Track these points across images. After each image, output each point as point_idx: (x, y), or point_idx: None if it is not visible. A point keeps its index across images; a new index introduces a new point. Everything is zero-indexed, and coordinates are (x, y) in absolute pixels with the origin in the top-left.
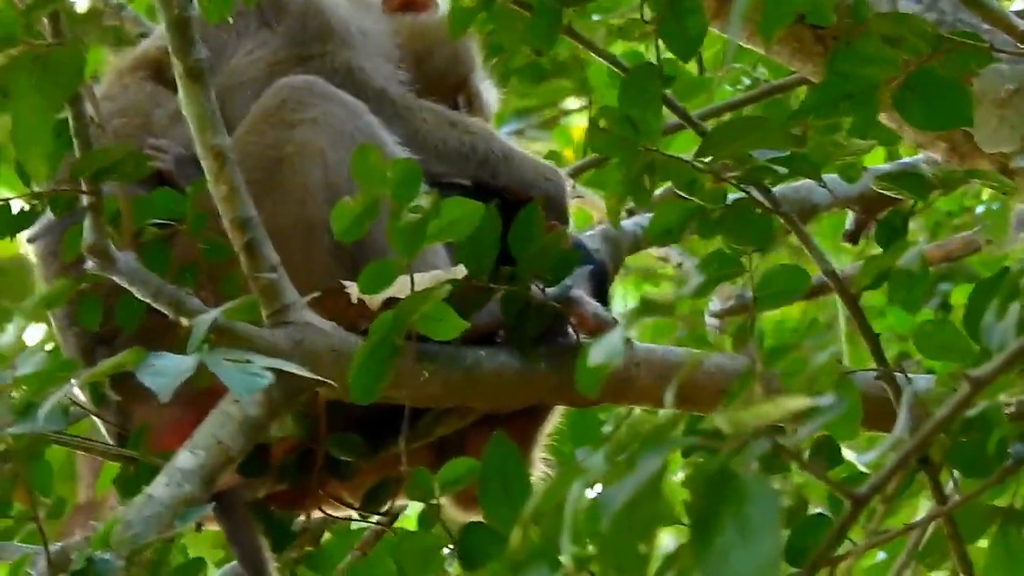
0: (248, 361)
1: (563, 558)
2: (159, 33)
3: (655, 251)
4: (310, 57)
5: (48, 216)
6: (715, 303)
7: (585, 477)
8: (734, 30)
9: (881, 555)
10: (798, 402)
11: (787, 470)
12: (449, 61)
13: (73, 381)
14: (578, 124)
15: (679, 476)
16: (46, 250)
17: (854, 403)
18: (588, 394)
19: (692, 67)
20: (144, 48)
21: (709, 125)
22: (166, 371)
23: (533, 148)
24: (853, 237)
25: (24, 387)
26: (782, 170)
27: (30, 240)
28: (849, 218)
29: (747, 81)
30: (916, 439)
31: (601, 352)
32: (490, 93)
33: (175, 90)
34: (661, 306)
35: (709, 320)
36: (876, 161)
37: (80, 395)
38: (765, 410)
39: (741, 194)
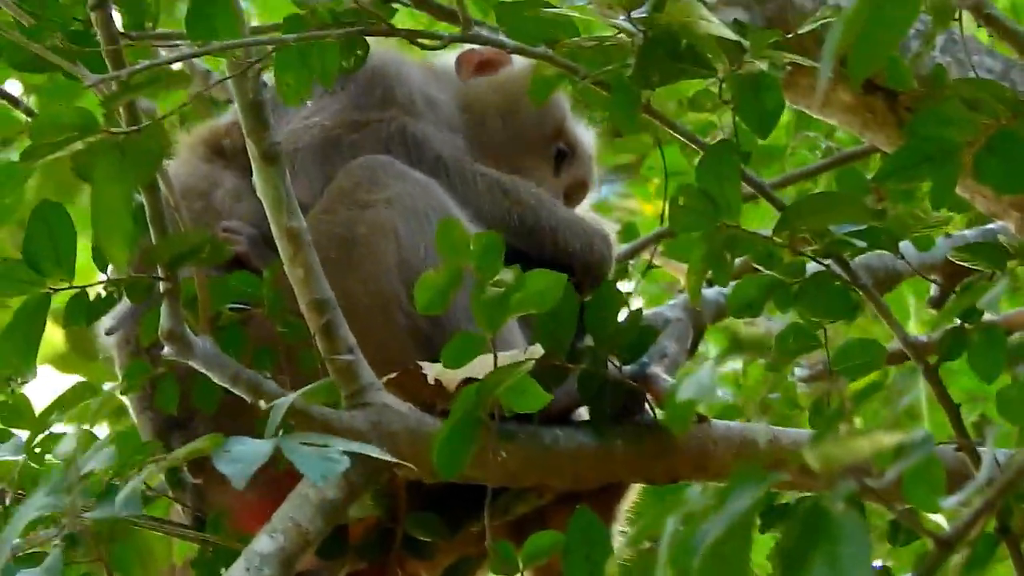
0: (325, 445)
1: None
2: (229, 112)
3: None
4: (366, 123)
5: (122, 306)
6: (803, 368)
7: (680, 510)
8: (825, 71)
9: None
10: (891, 437)
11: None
12: (538, 114)
13: (150, 465)
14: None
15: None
16: (122, 338)
17: (937, 473)
18: (677, 431)
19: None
20: (212, 127)
21: (783, 193)
22: (242, 457)
23: (620, 207)
24: (938, 303)
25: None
26: (860, 243)
27: (108, 332)
28: (934, 286)
29: (824, 146)
30: (1002, 482)
31: (692, 388)
32: (587, 136)
33: (230, 164)
34: (753, 343)
35: (797, 383)
36: (957, 227)
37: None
38: (857, 445)
39: (819, 267)
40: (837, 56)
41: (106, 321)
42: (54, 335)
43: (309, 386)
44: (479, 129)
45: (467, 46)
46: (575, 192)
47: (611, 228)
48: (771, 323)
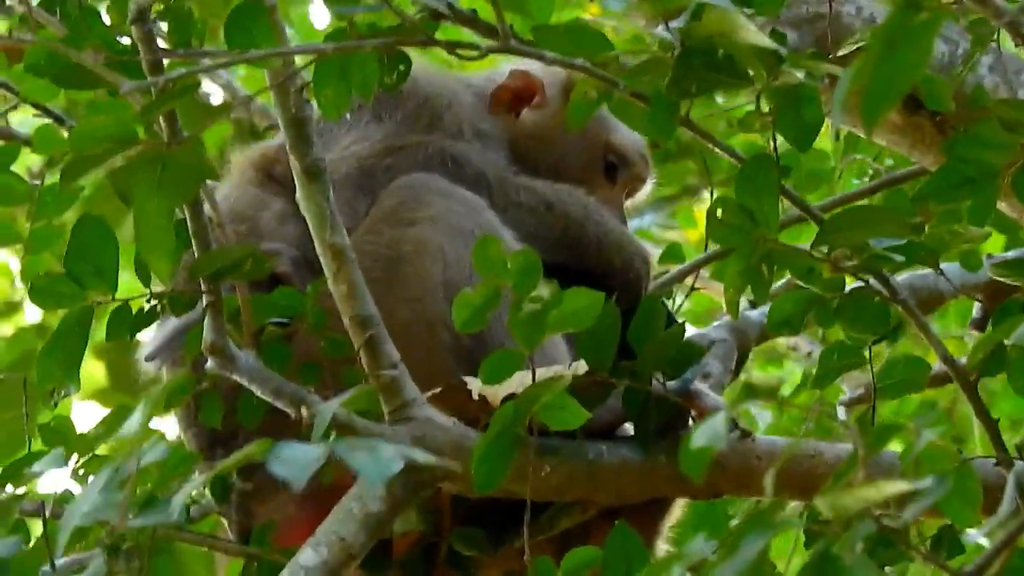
0: (376, 449)
1: None
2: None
3: (785, 340)
4: (403, 147)
5: (164, 333)
6: (848, 392)
7: (684, 561)
8: (836, 118)
9: None
10: (899, 486)
11: (906, 559)
12: (582, 136)
13: (197, 475)
14: (701, 208)
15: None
16: (168, 363)
17: (973, 488)
18: (693, 478)
19: (814, 159)
20: (262, 149)
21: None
22: (296, 460)
23: (662, 238)
24: (981, 325)
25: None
26: (899, 258)
27: (148, 359)
28: (976, 306)
29: (871, 171)
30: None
31: (703, 435)
32: (633, 137)
33: (281, 189)
34: (764, 390)
35: (840, 409)
36: (998, 249)
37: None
38: (866, 493)
39: (859, 283)
40: (882, 114)
41: (147, 347)
42: (96, 370)
43: (351, 391)
44: (528, 160)
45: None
46: (634, 188)
47: (652, 251)
48: (814, 347)
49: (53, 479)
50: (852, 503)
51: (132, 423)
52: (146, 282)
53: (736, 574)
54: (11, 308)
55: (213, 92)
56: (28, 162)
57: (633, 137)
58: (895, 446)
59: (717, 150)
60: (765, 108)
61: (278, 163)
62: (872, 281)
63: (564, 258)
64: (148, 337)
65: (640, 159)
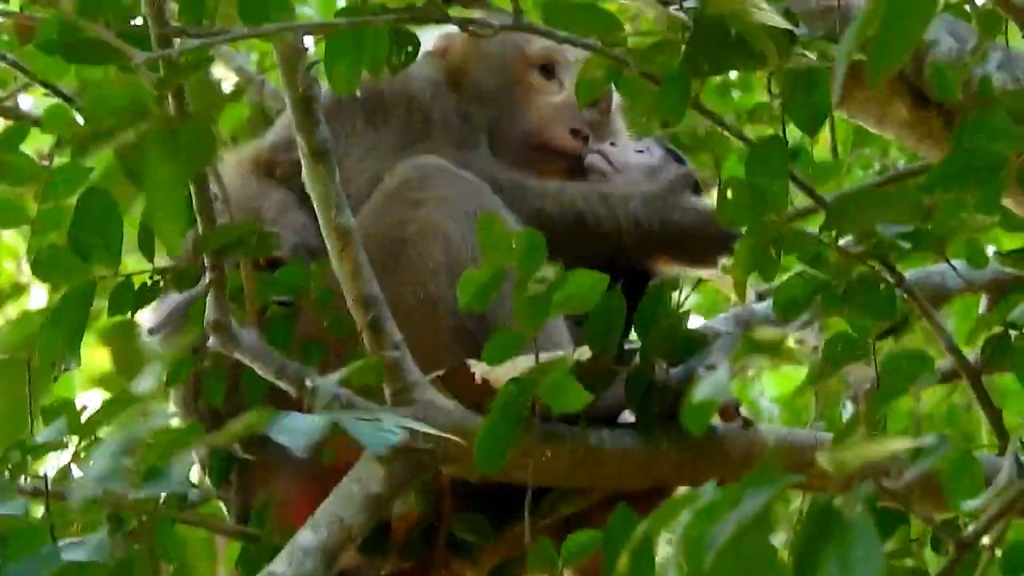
0: (378, 419)
1: None
2: (274, 130)
3: (792, 333)
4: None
5: (166, 307)
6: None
7: (692, 504)
8: (839, 69)
9: None
10: (902, 442)
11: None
12: (499, 56)
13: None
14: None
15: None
16: (169, 336)
17: (977, 474)
18: (695, 432)
19: (822, 152)
20: (256, 147)
21: None
22: (297, 428)
23: None
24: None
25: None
26: (907, 245)
27: (151, 332)
28: (982, 304)
29: (877, 166)
30: (1021, 485)
31: (707, 388)
32: (567, 50)
33: (283, 185)
34: (767, 344)
35: (845, 403)
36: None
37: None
38: (868, 449)
39: (866, 269)
40: (889, 73)
41: (150, 321)
42: (101, 357)
43: (354, 364)
44: (473, 97)
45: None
46: (600, 118)
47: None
48: (822, 341)
49: (54, 461)
50: (854, 458)
51: (145, 382)
52: (150, 258)
53: (739, 523)
54: (17, 290)
55: (226, 79)
56: (38, 144)
57: (569, 50)
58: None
59: (729, 137)
60: (776, 90)
61: (273, 160)
62: (879, 268)
63: (587, 242)
64: (150, 316)
65: (574, 64)
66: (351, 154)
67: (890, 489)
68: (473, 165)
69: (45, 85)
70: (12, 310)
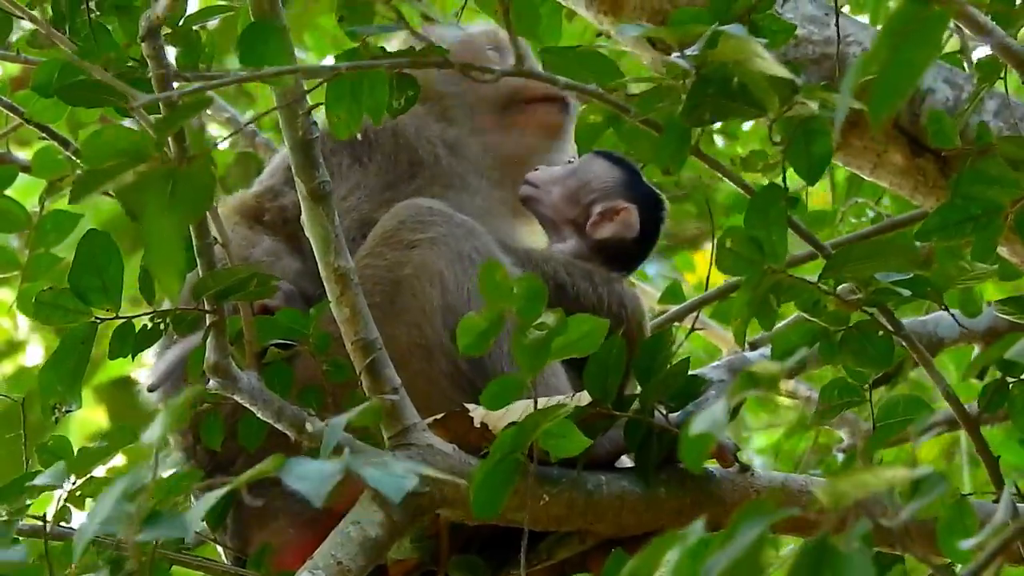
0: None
1: None
2: (259, 180)
3: (784, 384)
4: (393, 200)
5: (164, 364)
6: (846, 439)
7: (682, 542)
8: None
9: None
10: (899, 473)
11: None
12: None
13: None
14: (701, 250)
15: None
16: (168, 392)
17: (970, 525)
18: (692, 468)
19: (818, 200)
20: (241, 197)
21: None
22: (313, 475)
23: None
24: (981, 372)
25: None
26: (905, 292)
27: (150, 389)
28: (976, 352)
29: (871, 214)
30: (1018, 524)
31: (704, 422)
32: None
33: (269, 231)
34: (764, 378)
35: (837, 455)
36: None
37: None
38: (865, 480)
39: (864, 317)
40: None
41: (147, 378)
42: (97, 415)
43: (360, 407)
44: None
45: None
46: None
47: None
48: (812, 393)
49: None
50: (852, 489)
51: (152, 432)
52: (149, 300)
53: (732, 560)
54: (12, 348)
55: (217, 135)
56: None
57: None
58: None
59: (722, 182)
60: (777, 138)
61: (261, 207)
62: (877, 315)
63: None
64: (147, 373)
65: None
66: (336, 191)
67: (886, 526)
68: (466, 208)
69: (39, 127)
70: (7, 367)
